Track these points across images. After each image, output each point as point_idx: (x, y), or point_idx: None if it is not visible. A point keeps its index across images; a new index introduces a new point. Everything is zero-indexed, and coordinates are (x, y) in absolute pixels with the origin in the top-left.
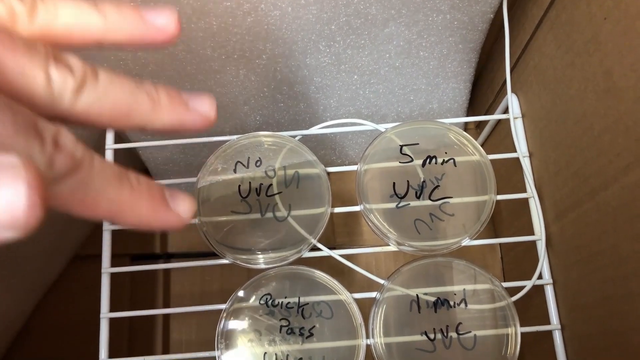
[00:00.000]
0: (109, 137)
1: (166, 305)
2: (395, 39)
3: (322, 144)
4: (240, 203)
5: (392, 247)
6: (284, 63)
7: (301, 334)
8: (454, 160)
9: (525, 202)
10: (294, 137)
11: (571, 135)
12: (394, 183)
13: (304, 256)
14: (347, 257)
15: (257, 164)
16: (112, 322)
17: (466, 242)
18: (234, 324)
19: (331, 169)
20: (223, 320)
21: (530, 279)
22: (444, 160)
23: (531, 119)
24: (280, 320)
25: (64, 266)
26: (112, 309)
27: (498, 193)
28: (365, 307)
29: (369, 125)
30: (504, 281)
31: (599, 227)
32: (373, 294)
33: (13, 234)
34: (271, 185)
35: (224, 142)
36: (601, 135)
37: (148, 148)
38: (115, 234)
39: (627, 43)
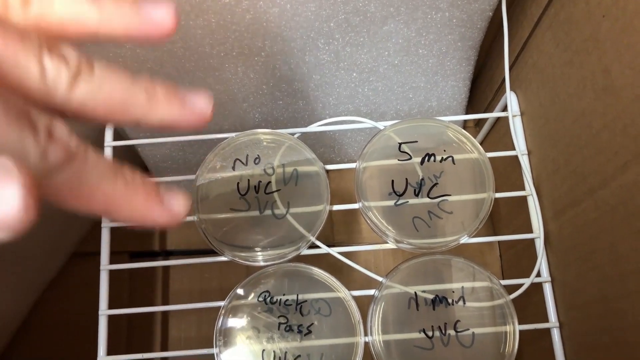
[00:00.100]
0: (108, 134)
1: (165, 302)
2: (394, 36)
3: (321, 142)
4: (239, 200)
5: (391, 245)
6: (283, 60)
7: (299, 332)
8: (452, 158)
9: (523, 200)
10: (292, 134)
11: (570, 133)
12: (392, 181)
13: (302, 254)
14: (346, 254)
15: (256, 162)
16: (111, 319)
17: (464, 239)
18: (232, 321)
19: (330, 167)
20: (221, 317)
21: (528, 277)
22: (442, 158)
23: (530, 117)
24: (279, 317)
25: (63, 263)
26: (111, 306)
27: (497, 191)
28: (364, 304)
29: (367, 123)
30: (503, 279)
31: (597, 225)
32: (371, 292)
33: (5, 235)
34: (270, 182)
35: (223, 139)
36: (599, 133)
37: (147, 145)
38: (114, 231)
39: (626, 41)
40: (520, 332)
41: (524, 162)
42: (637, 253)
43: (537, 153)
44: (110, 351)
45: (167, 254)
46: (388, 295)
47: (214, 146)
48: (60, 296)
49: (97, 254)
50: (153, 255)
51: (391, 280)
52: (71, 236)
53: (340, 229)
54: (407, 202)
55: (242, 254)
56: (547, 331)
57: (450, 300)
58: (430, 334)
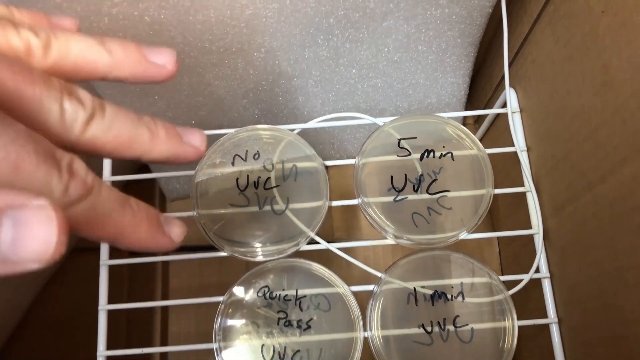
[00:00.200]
0: None
1: (164, 298)
2: (393, 32)
3: (320, 138)
4: (238, 196)
5: (390, 241)
6: (283, 56)
7: (299, 327)
8: (451, 154)
9: (523, 197)
10: (292, 130)
11: (569, 129)
12: (391, 177)
13: (301, 249)
14: (345, 250)
15: (255, 157)
16: (111, 315)
17: (464, 235)
18: (231, 317)
19: (329, 163)
20: (221, 312)
21: (527, 273)
22: (441, 154)
23: (529, 113)
24: (278, 312)
25: (63, 258)
26: (111, 302)
27: (496, 187)
28: (363, 300)
29: (367, 119)
30: (502, 275)
31: (596, 221)
32: (371, 287)
33: (38, 266)
34: (269, 178)
35: (222, 135)
36: (598, 129)
37: None
38: None
39: (625, 36)
40: (519, 327)
41: (523, 158)
42: (636, 248)
43: (536, 149)
44: (110, 346)
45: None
46: (387, 291)
47: (214, 142)
48: (60, 292)
49: (97, 249)
50: (152, 252)
51: (390, 275)
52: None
53: (339, 225)
54: (406, 198)
55: (242, 250)
56: (546, 327)
57: (449, 296)
58: (429, 329)
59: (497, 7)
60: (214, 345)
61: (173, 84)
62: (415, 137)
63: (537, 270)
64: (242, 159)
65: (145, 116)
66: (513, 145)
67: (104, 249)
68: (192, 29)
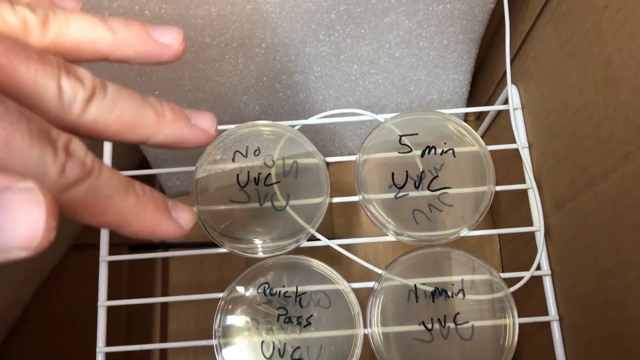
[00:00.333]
0: None
1: (164, 295)
2: (395, 28)
3: (321, 135)
4: (239, 192)
5: (391, 237)
6: (284, 52)
7: (299, 323)
8: (453, 150)
9: (524, 194)
10: (293, 126)
11: (571, 126)
12: (392, 173)
13: (302, 246)
14: (346, 247)
15: (256, 154)
16: (110, 311)
17: (465, 232)
18: (231, 313)
19: (330, 159)
20: (221, 309)
21: (528, 270)
22: (443, 150)
23: (531, 110)
24: (278, 309)
25: (62, 255)
26: (110, 298)
27: (497, 184)
28: (363, 297)
29: (368, 116)
30: (502, 273)
31: (598, 217)
32: (371, 284)
33: (26, 254)
34: (270, 174)
35: (223, 131)
36: (600, 125)
37: None
38: None
39: (628, 31)
40: (520, 325)
41: (525, 155)
42: (638, 245)
43: (537, 146)
44: (109, 343)
45: (167, 247)
46: (387, 288)
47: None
48: (60, 288)
49: (97, 245)
50: (152, 248)
51: (391, 272)
52: (71, 228)
53: (340, 222)
54: (407, 194)
55: (242, 246)
56: (547, 324)
57: (450, 293)
58: (429, 326)
59: (499, 3)
60: (214, 342)
61: (173, 79)
62: (417, 134)
63: (538, 268)
64: (243, 155)
65: (151, 97)
66: (514, 142)
67: (104, 245)
68: (192, 24)
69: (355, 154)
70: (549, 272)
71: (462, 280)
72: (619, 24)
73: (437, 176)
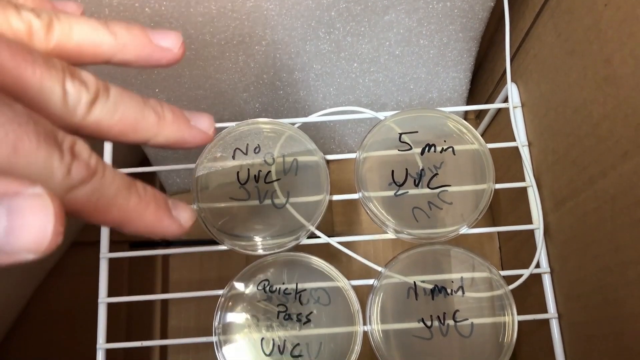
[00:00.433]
0: None
1: (164, 292)
2: (395, 26)
3: (321, 133)
4: (239, 190)
5: (391, 235)
6: (284, 50)
7: (298, 320)
8: (453, 148)
9: (524, 192)
10: (293, 124)
11: (570, 124)
12: (392, 171)
13: (302, 243)
14: (345, 244)
15: (256, 151)
16: (111, 309)
17: (464, 230)
18: (231, 310)
19: (330, 157)
20: (221, 306)
21: (527, 268)
22: (442, 148)
23: (531, 108)
24: (278, 306)
25: (62, 252)
26: (110, 295)
27: (497, 182)
28: (363, 294)
29: (368, 113)
30: (502, 271)
31: (597, 216)
32: (370, 281)
33: (34, 257)
34: (270, 172)
35: (223, 129)
36: (600, 123)
37: None
38: None
39: (627, 29)
40: (519, 322)
41: (524, 153)
42: (637, 243)
43: (537, 144)
44: (110, 339)
45: (167, 244)
46: (387, 285)
47: (215, 135)
48: (60, 285)
49: (97, 243)
50: (153, 246)
51: (390, 270)
52: (71, 225)
53: (340, 219)
54: (407, 192)
55: (242, 243)
56: (546, 322)
57: (449, 290)
58: (429, 323)
59: (499, 1)
60: (214, 339)
61: (174, 77)
62: (417, 132)
63: (538, 266)
64: (243, 152)
65: (152, 99)
66: (514, 140)
67: (104, 242)
68: (193, 21)
69: (355, 152)
70: (548, 270)
71: (462, 277)
72: (618, 22)
73: (436, 174)
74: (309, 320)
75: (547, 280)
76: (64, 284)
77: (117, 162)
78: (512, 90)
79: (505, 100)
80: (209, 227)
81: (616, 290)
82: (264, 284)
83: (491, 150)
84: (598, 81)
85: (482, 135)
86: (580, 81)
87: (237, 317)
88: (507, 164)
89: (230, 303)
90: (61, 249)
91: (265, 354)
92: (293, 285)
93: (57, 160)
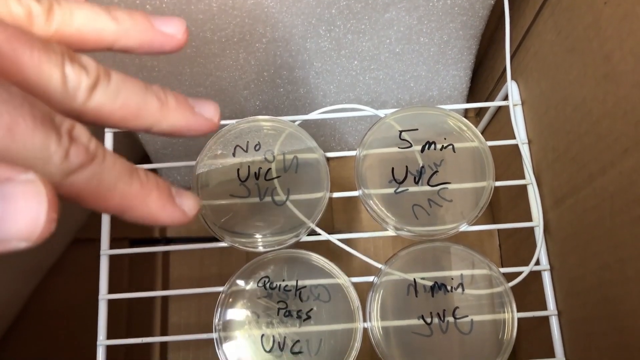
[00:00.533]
0: None
1: (165, 289)
2: (395, 24)
3: (321, 130)
4: (239, 187)
5: (390, 232)
6: (284, 47)
7: (299, 317)
8: (453, 146)
9: (523, 189)
10: (293, 122)
11: (570, 121)
12: (392, 168)
13: (302, 240)
14: (346, 241)
15: (256, 148)
16: (111, 306)
17: (464, 227)
18: (232, 307)
19: (330, 154)
20: (221, 302)
21: (527, 266)
22: (443, 146)
23: (531, 106)
24: (278, 303)
25: (63, 249)
26: (111, 292)
27: (497, 180)
28: (363, 291)
29: (368, 111)
30: (502, 268)
31: (597, 213)
32: (370, 278)
33: (26, 245)
34: (270, 169)
35: (224, 126)
36: (600, 121)
37: None
38: (114, 217)
39: (627, 27)
40: (519, 319)
41: (524, 151)
42: (636, 240)
43: (537, 142)
44: (110, 336)
45: (168, 241)
46: (387, 282)
47: (215, 133)
48: (61, 282)
49: (97, 240)
50: (153, 243)
51: (390, 267)
52: (71, 222)
53: (340, 217)
54: (407, 190)
55: (242, 240)
56: (546, 319)
57: (449, 288)
58: (428, 320)
59: None
60: (214, 335)
61: (174, 74)
62: (417, 129)
63: (537, 263)
64: (243, 150)
65: (154, 85)
66: (514, 137)
67: (105, 239)
68: (193, 19)
69: (356, 150)
70: (548, 267)
71: (462, 275)
72: (618, 20)
73: (436, 171)
74: (309, 317)
75: (546, 278)
76: (65, 281)
77: None
78: (512, 88)
79: (506, 98)
80: (209, 224)
81: (616, 287)
82: (264, 281)
83: (491, 147)
84: (598, 79)
85: (482, 133)
86: (580, 79)
87: (237, 313)
88: (507, 161)
89: (230, 300)
90: (61, 246)
91: (265, 350)
92: (293, 282)
93: (55, 144)
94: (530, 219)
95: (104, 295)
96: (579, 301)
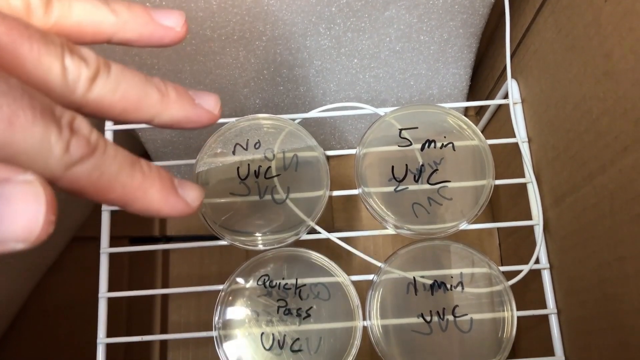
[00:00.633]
0: None
1: (165, 287)
2: (395, 22)
3: (321, 129)
4: (239, 185)
5: (390, 231)
6: (284, 45)
7: (298, 315)
8: (453, 144)
9: (523, 188)
10: (293, 120)
11: (570, 120)
12: (392, 167)
13: (302, 239)
14: (345, 240)
15: (256, 147)
16: (111, 304)
17: (464, 226)
18: (231, 305)
19: (330, 153)
20: (221, 301)
21: (527, 264)
22: (442, 144)
23: (531, 104)
24: (278, 301)
25: (63, 247)
26: (111, 290)
27: (497, 178)
28: (363, 289)
29: (368, 109)
30: (501, 266)
31: (596, 211)
32: (370, 277)
33: (24, 246)
34: (270, 167)
35: (223, 124)
36: (599, 119)
37: (147, 130)
38: (114, 215)
39: (627, 25)
40: (519, 318)
41: (524, 149)
42: (636, 238)
43: (537, 140)
44: (110, 334)
45: (167, 240)
46: (387, 281)
47: (215, 131)
48: (60, 280)
49: (97, 238)
50: (153, 241)
51: (390, 265)
52: (71, 220)
53: (340, 215)
54: (407, 188)
55: (242, 239)
56: (545, 317)
57: (448, 286)
58: (428, 319)
59: None
60: (214, 334)
61: (174, 72)
62: (417, 128)
63: (537, 261)
64: (243, 148)
65: (155, 77)
66: (514, 136)
67: (105, 237)
68: (193, 16)
69: (355, 148)
70: (548, 265)
71: (461, 273)
72: (618, 18)
73: (436, 170)
74: (308, 315)
75: (546, 276)
76: (64, 279)
77: None
78: (512, 86)
79: (506, 96)
80: (209, 222)
81: (615, 285)
82: (264, 279)
83: (491, 146)
84: (598, 77)
85: (482, 132)
86: (580, 77)
87: (237, 312)
88: (507, 160)
89: (230, 298)
90: (61, 244)
91: (265, 348)
92: (293, 281)
93: (55, 136)
94: (530, 218)
95: (103, 293)
96: (578, 299)
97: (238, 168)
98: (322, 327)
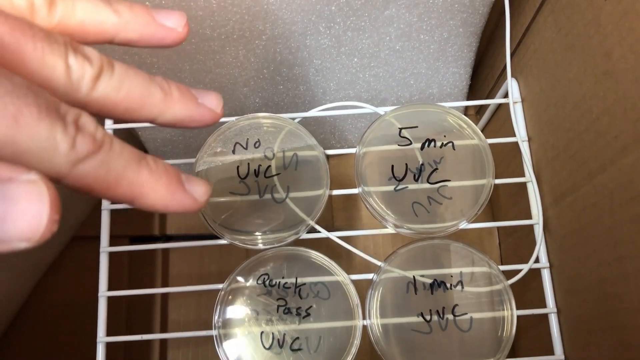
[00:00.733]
0: None
1: (164, 286)
2: (395, 21)
3: (321, 128)
4: (239, 184)
5: (390, 230)
6: (284, 44)
7: (298, 314)
8: (452, 143)
9: (523, 187)
10: (293, 119)
11: (570, 119)
12: (392, 166)
13: (302, 238)
14: (345, 239)
15: (256, 146)
16: (111, 303)
17: (464, 225)
18: (231, 304)
19: (330, 152)
20: (221, 300)
21: (527, 263)
22: (442, 143)
23: (531, 103)
24: (278, 300)
25: (63, 247)
26: (111, 289)
27: (497, 177)
28: (362, 288)
29: (368, 108)
30: (501, 266)
31: (596, 210)
32: (370, 276)
33: (27, 245)
34: (270, 166)
35: (223, 123)
36: (599, 118)
37: (147, 129)
38: (114, 214)
39: (627, 24)
40: (518, 317)
41: (524, 148)
42: (635, 237)
43: (537, 139)
44: (110, 333)
45: (167, 239)
46: (386, 280)
47: (214, 130)
48: (60, 279)
49: (97, 237)
50: (153, 240)
51: (390, 264)
52: (71, 219)
53: (339, 214)
54: (407, 187)
55: (242, 238)
56: (545, 316)
57: (448, 285)
58: (428, 318)
59: None
60: (214, 333)
61: (174, 71)
62: (417, 127)
63: (537, 261)
64: (243, 147)
65: (158, 76)
66: (514, 135)
67: (104, 236)
68: (193, 15)
69: (355, 147)
70: (548, 264)
71: (461, 272)
72: (618, 17)
73: (436, 169)
74: (308, 314)
75: (546, 275)
76: (65, 278)
77: None
78: (512, 85)
79: (506, 95)
80: (209, 221)
81: (615, 284)
82: (264, 278)
83: (491, 145)
84: (598, 76)
85: (482, 131)
86: (580, 76)
87: (237, 311)
88: (507, 159)
89: (230, 297)
90: (61, 244)
91: (264, 347)
92: (293, 280)
93: (61, 133)
94: (529, 217)
95: (103, 292)
96: (578, 299)
97: (238, 167)
98: (322, 326)
